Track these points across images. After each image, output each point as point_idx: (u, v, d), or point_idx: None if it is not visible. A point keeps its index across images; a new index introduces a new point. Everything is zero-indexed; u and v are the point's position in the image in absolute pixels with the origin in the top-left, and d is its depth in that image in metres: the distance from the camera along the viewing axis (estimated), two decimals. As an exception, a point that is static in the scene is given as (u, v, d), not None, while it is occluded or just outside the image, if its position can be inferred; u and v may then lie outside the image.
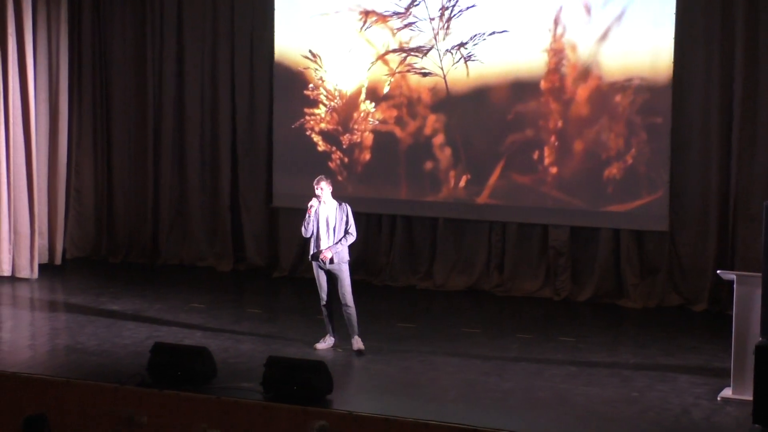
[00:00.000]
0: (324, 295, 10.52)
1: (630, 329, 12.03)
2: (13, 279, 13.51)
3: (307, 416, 8.65)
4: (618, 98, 12.69)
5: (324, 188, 10.41)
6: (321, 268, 10.48)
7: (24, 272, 13.58)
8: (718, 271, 9.80)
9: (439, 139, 13.41)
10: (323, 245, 10.41)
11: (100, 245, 15.00)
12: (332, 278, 10.48)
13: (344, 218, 10.43)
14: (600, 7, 12.66)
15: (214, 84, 14.53)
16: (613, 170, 12.74)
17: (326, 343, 10.61)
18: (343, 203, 10.53)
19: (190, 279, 13.98)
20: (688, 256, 12.67)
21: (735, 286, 9.20)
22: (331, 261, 10.38)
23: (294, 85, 13.97)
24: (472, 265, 13.51)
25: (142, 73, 14.73)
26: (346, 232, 10.42)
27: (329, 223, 10.43)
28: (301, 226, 10.59)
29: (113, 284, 13.44)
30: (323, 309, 10.59)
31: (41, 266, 13.96)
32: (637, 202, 12.68)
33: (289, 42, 13.96)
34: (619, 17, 12.58)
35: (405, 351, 10.61)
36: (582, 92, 12.82)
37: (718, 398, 9.22)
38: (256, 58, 14.28)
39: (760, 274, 8.88)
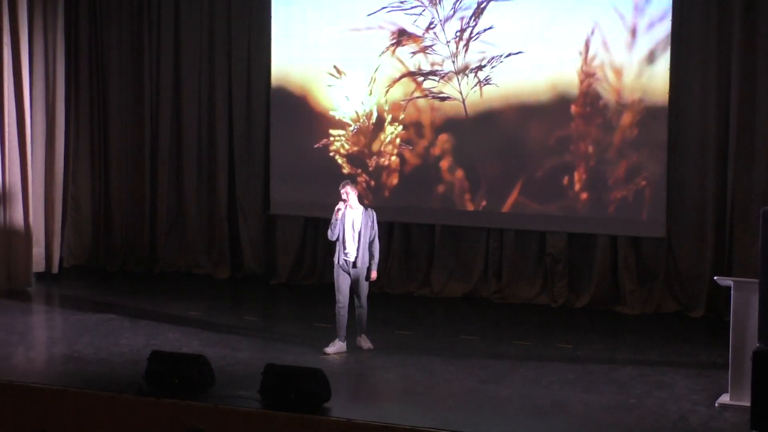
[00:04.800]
0: (341, 297, 10.58)
1: (627, 336, 12.03)
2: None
3: (304, 424, 8.65)
4: (616, 116, 12.65)
5: (350, 192, 10.55)
6: (345, 272, 10.57)
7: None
8: (715, 278, 9.80)
9: (448, 162, 13.33)
10: (348, 249, 10.53)
11: (97, 253, 14.97)
12: (354, 281, 10.59)
13: (369, 223, 10.54)
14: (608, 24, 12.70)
15: (212, 91, 14.52)
16: (615, 193, 12.73)
17: (335, 348, 10.60)
18: (369, 209, 10.71)
19: (188, 286, 13.98)
20: (685, 262, 12.68)
21: (732, 292, 9.20)
22: (355, 265, 10.55)
23: (290, 97, 13.93)
24: (470, 272, 13.50)
25: (139, 81, 14.73)
26: (371, 243, 10.56)
27: (354, 227, 10.53)
28: (327, 230, 10.73)
29: (110, 292, 13.42)
30: (338, 312, 10.59)
31: (38, 275, 13.92)
32: (637, 217, 12.70)
33: (286, 54, 13.93)
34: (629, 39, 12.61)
35: (403, 358, 10.59)
36: (588, 113, 12.80)
37: (716, 404, 9.21)
38: (253, 67, 14.26)
39: (756, 281, 8.87)
